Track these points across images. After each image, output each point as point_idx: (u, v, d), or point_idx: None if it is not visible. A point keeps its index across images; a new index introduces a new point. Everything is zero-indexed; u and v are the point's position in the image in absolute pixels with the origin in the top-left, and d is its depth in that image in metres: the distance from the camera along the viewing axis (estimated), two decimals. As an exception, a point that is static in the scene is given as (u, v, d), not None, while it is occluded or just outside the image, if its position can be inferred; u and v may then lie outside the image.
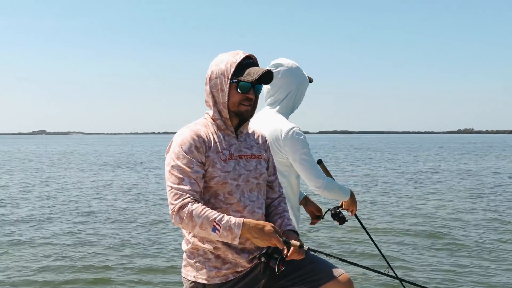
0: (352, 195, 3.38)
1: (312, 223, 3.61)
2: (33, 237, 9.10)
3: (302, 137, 3.14)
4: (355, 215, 3.58)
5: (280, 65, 3.27)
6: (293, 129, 3.14)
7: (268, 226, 2.36)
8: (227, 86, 2.48)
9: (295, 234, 2.60)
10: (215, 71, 2.53)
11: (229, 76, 2.47)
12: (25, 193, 15.65)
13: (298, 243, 2.42)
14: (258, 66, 2.57)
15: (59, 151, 55.31)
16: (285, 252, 2.42)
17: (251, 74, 2.47)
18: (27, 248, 8.26)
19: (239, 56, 2.51)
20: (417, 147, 65.64)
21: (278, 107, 3.28)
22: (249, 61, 2.53)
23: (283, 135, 3.12)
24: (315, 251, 2.56)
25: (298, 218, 3.35)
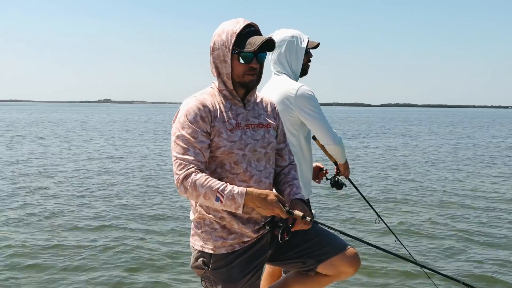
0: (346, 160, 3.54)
1: (317, 181, 3.73)
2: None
3: (311, 93, 3.24)
4: (349, 179, 3.72)
5: (272, 34, 3.42)
6: (302, 87, 3.25)
7: (271, 195, 2.34)
8: (229, 57, 2.44)
9: (302, 202, 2.55)
10: (217, 42, 2.47)
11: (230, 47, 2.42)
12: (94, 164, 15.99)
13: (300, 214, 2.39)
14: (260, 34, 2.49)
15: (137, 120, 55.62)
16: (289, 221, 2.42)
17: (252, 43, 2.41)
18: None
19: (239, 25, 2.44)
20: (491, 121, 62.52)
21: (282, 72, 3.40)
22: (250, 30, 2.46)
23: (293, 93, 3.21)
24: (317, 223, 2.50)
25: (309, 180, 3.42)
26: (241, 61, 2.44)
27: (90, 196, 9.80)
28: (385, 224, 4.25)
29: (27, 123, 41.62)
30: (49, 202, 9.10)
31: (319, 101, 3.33)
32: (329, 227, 2.57)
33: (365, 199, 4.11)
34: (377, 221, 4.02)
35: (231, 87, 2.50)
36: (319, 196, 9.62)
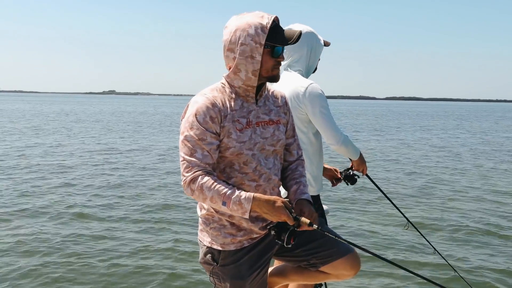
0: (361, 155, 3.47)
1: (333, 185, 3.75)
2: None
3: (320, 92, 3.23)
4: (367, 175, 3.66)
5: (289, 29, 3.40)
6: (312, 84, 3.23)
7: (279, 201, 2.32)
8: (261, 52, 2.36)
9: (309, 204, 2.53)
10: (243, 37, 2.35)
11: (263, 42, 2.34)
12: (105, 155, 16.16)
13: (307, 221, 2.35)
14: (281, 27, 2.46)
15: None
16: (296, 227, 2.38)
17: (286, 37, 2.38)
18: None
19: (268, 19, 2.37)
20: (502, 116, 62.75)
21: (294, 69, 3.38)
22: (275, 24, 2.40)
23: (302, 90, 3.20)
24: (323, 231, 2.45)
25: (319, 176, 3.40)
26: (273, 55, 2.39)
27: (98, 188, 9.77)
28: (418, 230, 4.06)
29: (35, 114, 41.48)
30: (59, 193, 8.93)
31: (325, 94, 3.34)
32: (335, 236, 2.52)
33: (388, 199, 4.03)
34: (406, 226, 3.95)
35: (255, 84, 2.42)
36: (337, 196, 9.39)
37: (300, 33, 2.41)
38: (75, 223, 7.31)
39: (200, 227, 2.61)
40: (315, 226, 2.37)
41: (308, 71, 3.43)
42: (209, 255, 2.54)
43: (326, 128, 3.21)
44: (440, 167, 13.88)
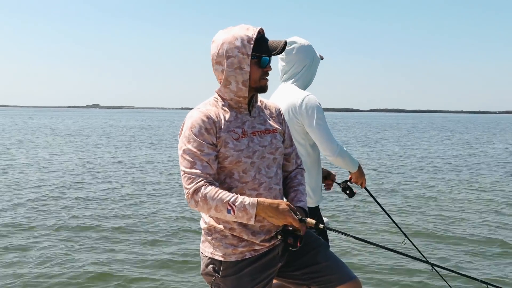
0: (360, 167, 3.47)
1: (327, 188, 3.70)
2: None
3: (317, 103, 3.26)
4: (365, 188, 3.64)
5: (294, 42, 3.41)
6: (309, 96, 3.28)
7: (283, 204, 2.36)
8: (248, 63, 2.42)
9: (303, 211, 2.56)
10: (231, 49, 2.43)
11: (250, 53, 2.41)
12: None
13: (313, 221, 2.42)
14: (266, 38, 2.53)
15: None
16: (301, 230, 2.42)
17: (271, 47, 2.46)
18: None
19: (253, 31, 2.46)
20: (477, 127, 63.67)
21: (294, 81, 3.43)
22: (260, 35, 2.49)
23: (299, 102, 3.25)
24: (330, 229, 2.55)
25: (318, 187, 3.42)
26: (260, 66, 2.46)
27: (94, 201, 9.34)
28: (412, 243, 4.07)
29: (30, 128, 40.90)
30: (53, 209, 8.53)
31: None
32: (342, 233, 2.62)
33: (387, 213, 4.04)
34: (404, 242, 4.01)
35: (245, 95, 2.48)
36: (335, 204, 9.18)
37: (285, 44, 2.47)
38: (70, 234, 7.01)
39: (202, 238, 2.64)
40: (321, 226, 2.43)
41: (308, 82, 3.47)
42: (211, 266, 2.54)
43: (322, 139, 3.23)
44: (436, 179, 13.64)
